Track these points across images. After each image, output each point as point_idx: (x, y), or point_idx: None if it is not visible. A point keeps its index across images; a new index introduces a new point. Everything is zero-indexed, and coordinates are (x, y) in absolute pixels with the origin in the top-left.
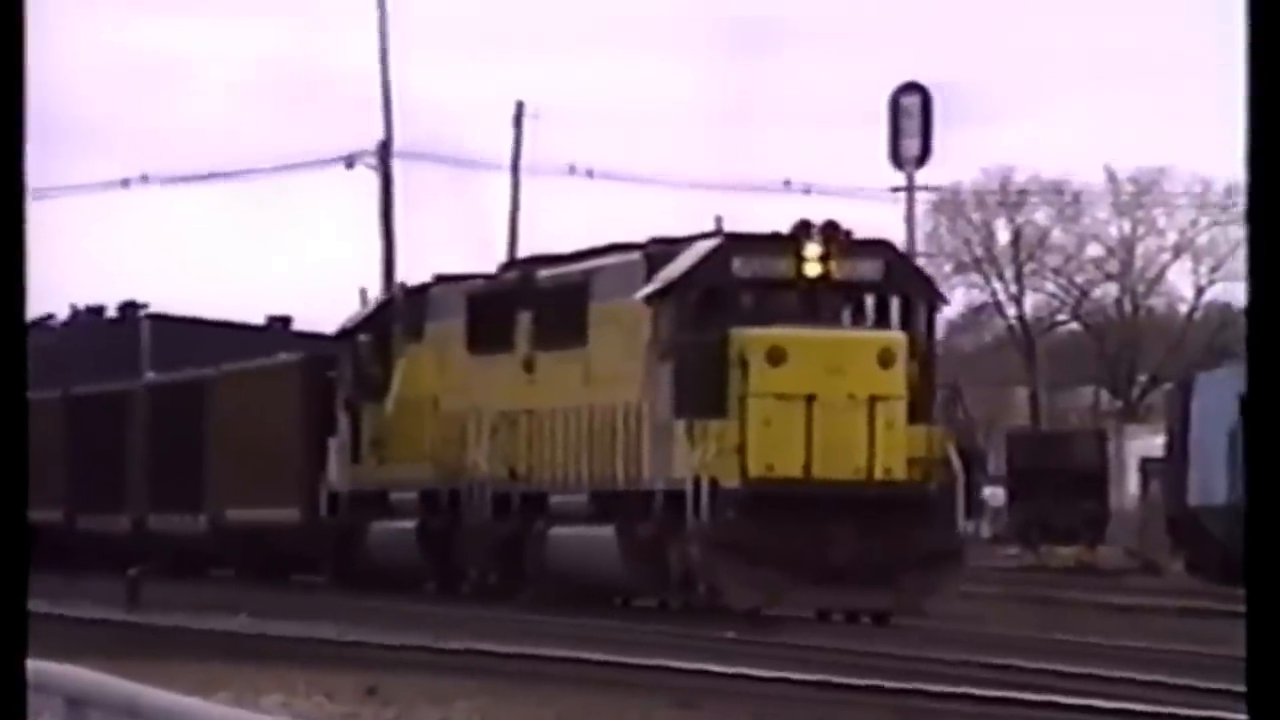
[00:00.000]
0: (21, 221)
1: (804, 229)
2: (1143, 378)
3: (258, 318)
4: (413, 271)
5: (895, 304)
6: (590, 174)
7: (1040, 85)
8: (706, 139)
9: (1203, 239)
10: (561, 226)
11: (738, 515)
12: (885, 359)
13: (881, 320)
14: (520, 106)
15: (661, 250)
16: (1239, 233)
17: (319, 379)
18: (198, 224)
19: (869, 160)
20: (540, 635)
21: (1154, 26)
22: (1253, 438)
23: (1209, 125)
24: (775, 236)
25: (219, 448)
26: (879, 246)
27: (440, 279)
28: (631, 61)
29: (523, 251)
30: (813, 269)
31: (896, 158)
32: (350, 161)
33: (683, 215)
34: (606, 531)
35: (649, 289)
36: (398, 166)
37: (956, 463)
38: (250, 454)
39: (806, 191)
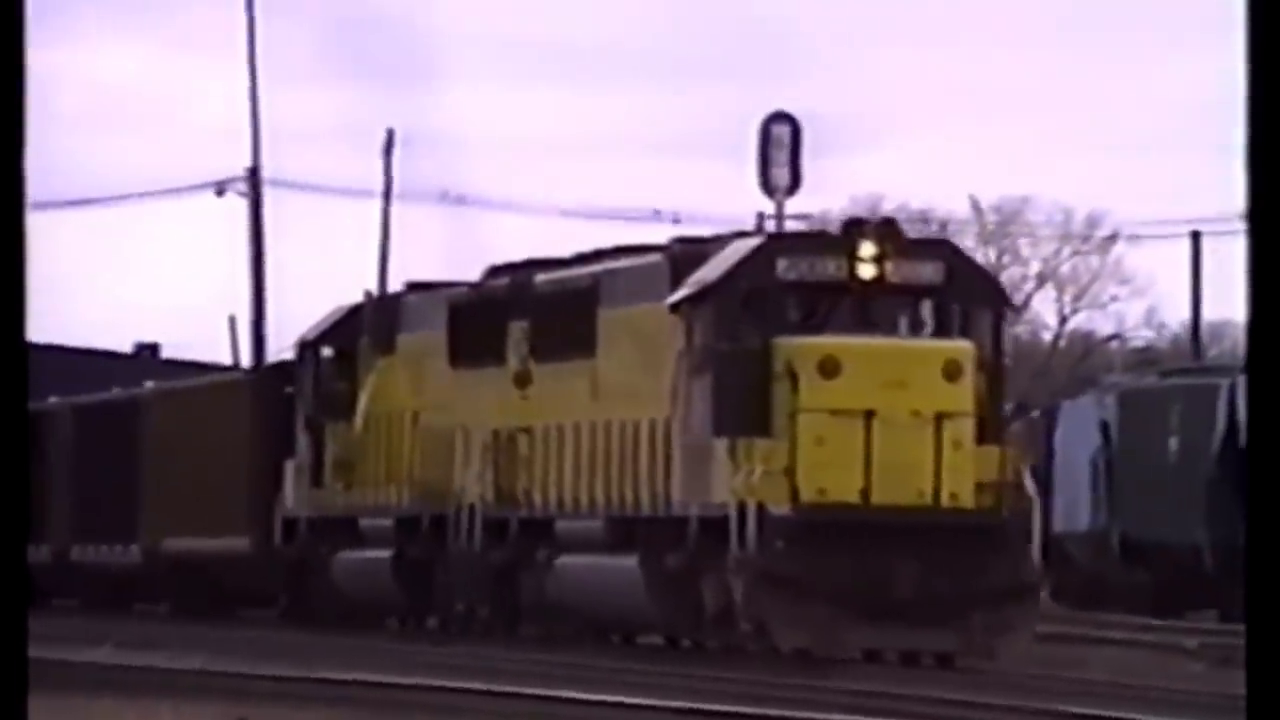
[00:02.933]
0: (21, 234)
1: (857, 226)
2: (1008, 405)
3: (125, 345)
4: (283, 298)
5: (958, 310)
6: (462, 200)
7: (907, 115)
8: (576, 167)
9: (1065, 268)
10: (433, 253)
11: (787, 545)
12: (951, 371)
13: (943, 328)
14: (390, 134)
15: (687, 251)
16: (1098, 262)
17: (273, 395)
18: (60, 251)
19: (737, 189)
20: (461, 669)
21: (1015, 58)
22: (1253, 437)
23: (1069, 156)
24: (824, 235)
25: (156, 472)
26: (939, 246)
27: (414, 286)
28: (502, 89)
29: (395, 279)
30: (867, 271)
31: (767, 186)
32: (220, 189)
33: (554, 243)
34: (627, 562)
35: (681, 293)
36: (268, 194)
37: (1031, 487)
38: (193, 478)
39: (676, 221)
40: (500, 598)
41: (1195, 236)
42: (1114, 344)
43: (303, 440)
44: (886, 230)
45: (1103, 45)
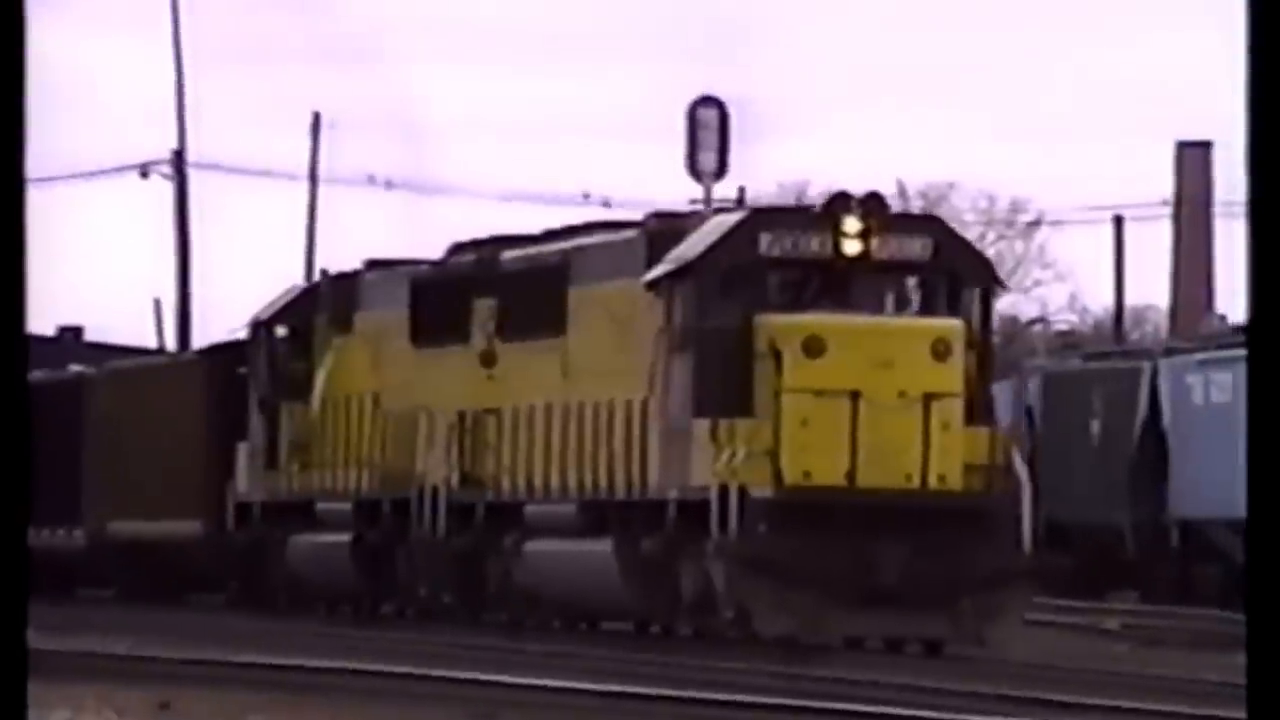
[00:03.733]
0: (21, 225)
1: (842, 201)
2: None
3: (48, 328)
4: (209, 281)
5: (945, 287)
6: (389, 184)
7: (834, 100)
8: (505, 151)
9: (990, 253)
10: (361, 237)
11: (770, 529)
12: (940, 350)
13: (930, 306)
14: (317, 117)
15: (664, 227)
16: (1022, 247)
17: (225, 376)
18: None
19: (667, 173)
20: (397, 654)
21: (942, 43)
22: (1253, 437)
23: (993, 142)
24: (808, 210)
25: (101, 455)
26: (926, 221)
27: (373, 264)
28: (428, 72)
29: (323, 262)
30: (852, 247)
31: (694, 170)
32: (144, 171)
33: (484, 227)
34: (601, 546)
35: (659, 270)
36: (194, 176)
37: (1021, 470)
38: (141, 461)
39: (606, 204)
40: (465, 584)
41: (1118, 222)
42: (1037, 328)
43: (256, 422)
44: (872, 205)
45: (1028, 31)
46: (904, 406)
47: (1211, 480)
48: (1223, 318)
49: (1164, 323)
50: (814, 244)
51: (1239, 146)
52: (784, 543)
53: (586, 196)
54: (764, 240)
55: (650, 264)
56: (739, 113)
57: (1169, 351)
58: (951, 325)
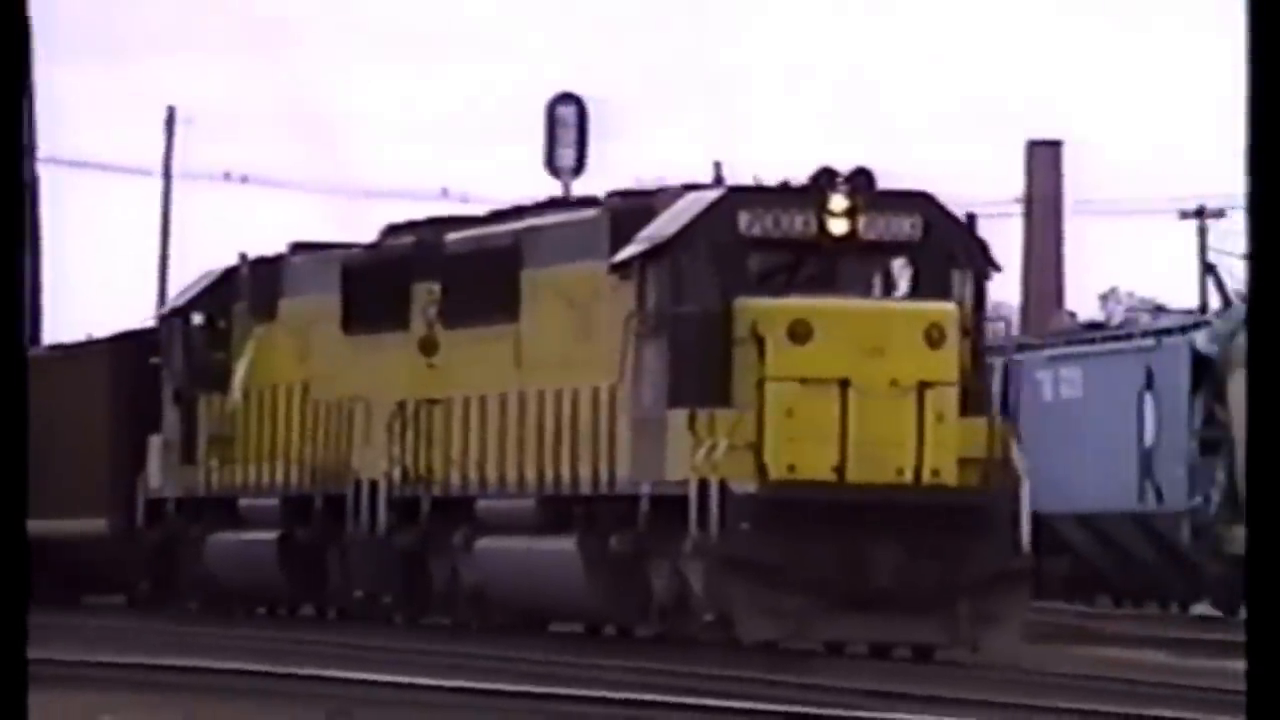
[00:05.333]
0: (21, 236)
1: (827, 177)
2: None
3: None
4: (59, 280)
5: (937, 269)
6: (245, 179)
7: (694, 96)
8: (363, 146)
9: None
10: (216, 233)
11: (753, 527)
12: (934, 336)
13: (920, 289)
14: (172, 111)
15: (629, 205)
16: None
17: (135, 366)
18: None
19: (526, 170)
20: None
21: (809, 35)
22: (1253, 437)
23: (849, 139)
24: (791, 188)
25: None
26: (916, 199)
27: (299, 247)
28: (285, 67)
29: (180, 260)
30: (838, 226)
31: (553, 167)
32: None
33: (341, 222)
34: (564, 544)
35: (630, 250)
36: (43, 172)
37: (1020, 464)
38: (40, 455)
39: (464, 200)
40: (407, 584)
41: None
42: None
43: (171, 414)
44: (859, 181)
45: (886, 30)
46: (896, 396)
47: (1061, 475)
48: (1072, 315)
49: (1015, 319)
50: (797, 223)
51: (1089, 146)
52: (768, 542)
53: (445, 193)
54: (743, 219)
55: (615, 244)
56: (598, 110)
57: (1020, 348)
58: (946, 309)
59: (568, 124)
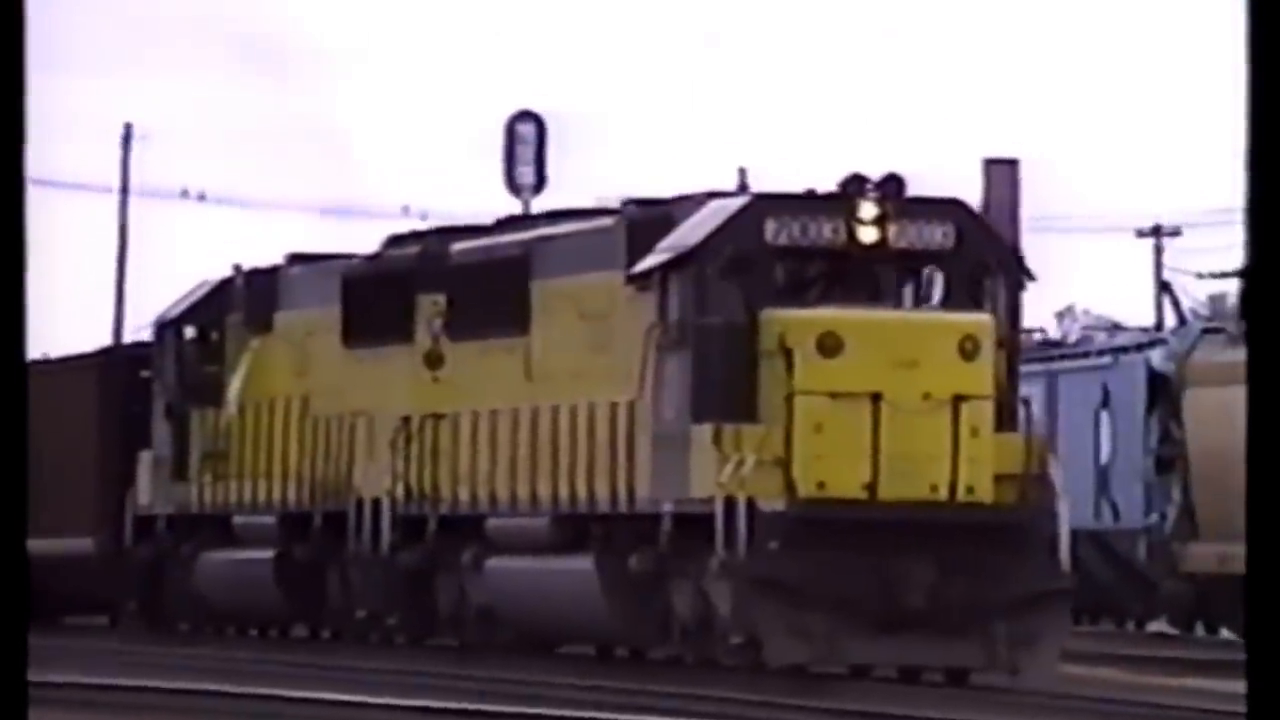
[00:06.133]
0: (21, 226)
1: (857, 184)
2: None
3: None
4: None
5: (969, 279)
6: (202, 197)
7: (646, 114)
8: (320, 163)
9: None
10: (174, 252)
11: (783, 546)
12: (969, 348)
13: (952, 300)
14: (129, 128)
15: (646, 215)
16: None
17: (125, 380)
18: None
19: (486, 187)
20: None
21: (753, 55)
22: (1253, 437)
23: (799, 154)
24: (819, 195)
25: None
26: (948, 206)
27: (295, 258)
28: (239, 83)
29: (137, 278)
30: (868, 234)
31: (513, 184)
32: None
33: (300, 241)
34: (580, 564)
35: (652, 260)
36: None
37: (1058, 480)
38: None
39: (424, 217)
40: (411, 604)
41: None
42: None
43: (162, 429)
44: (889, 188)
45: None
46: (930, 410)
47: None
48: (1041, 331)
49: None
50: (826, 231)
51: (1046, 163)
52: (798, 561)
53: (405, 210)
54: (770, 227)
55: (632, 254)
56: (558, 127)
57: None
58: (981, 320)
59: (527, 141)
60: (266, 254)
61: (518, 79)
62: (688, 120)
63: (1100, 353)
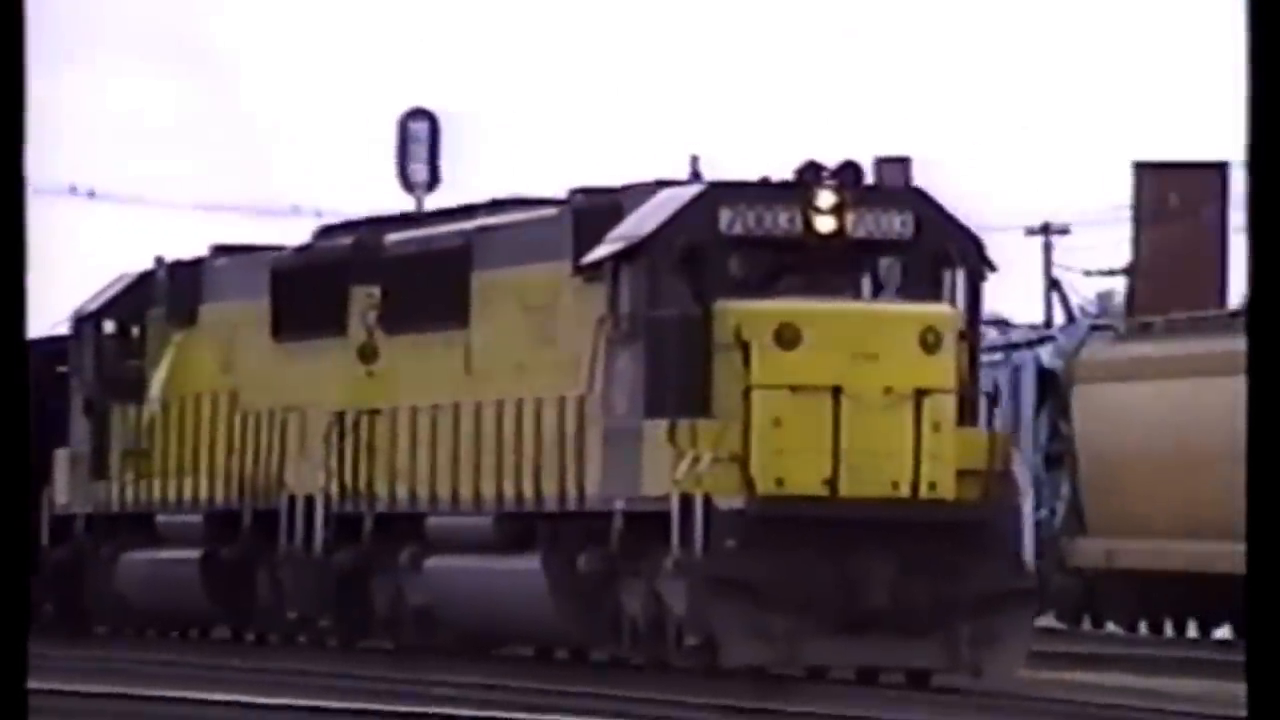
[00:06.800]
0: (21, 225)
1: (813, 172)
2: None
3: None
4: None
5: (928, 270)
6: (92, 194)
7: (540, 111)
8: (209, 160)
9: None
10: (64, 249)
11: (740, 544)
12: (930, 341)
13: (911, 291)
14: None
15: (594, 204)
16: None
17: (40, 375)
18: None
19: (379, 185)
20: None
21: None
22: (1253, 437)
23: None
24: (774, 183)
25: None
26: (908, 195)
27: (220, 250)
28: (129, 81)
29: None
30: (825, 224)
31: (406, 182)
32: None
33: (191, 238)
34: (527, 564)
35: (602, 251)
36: None
37: (1023, 476)
38: None
39: (318, 215)
40: (345, 605)
41: None
42: None
43: (80, 426)
44: (846, 176)
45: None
46: (891, 404)
47: None
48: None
49: None
50: (782, 221)
51: (935, 162)
52: (757, 560)
53: (296, 209)
54: (724, 216)
55: (579, 244)
56: (451, 126)
57: None
58: (943, 312)
59: (420, 139)
60: (159, 250)
61: (411, 77)
62: (588, 119)
63: (990, 349)
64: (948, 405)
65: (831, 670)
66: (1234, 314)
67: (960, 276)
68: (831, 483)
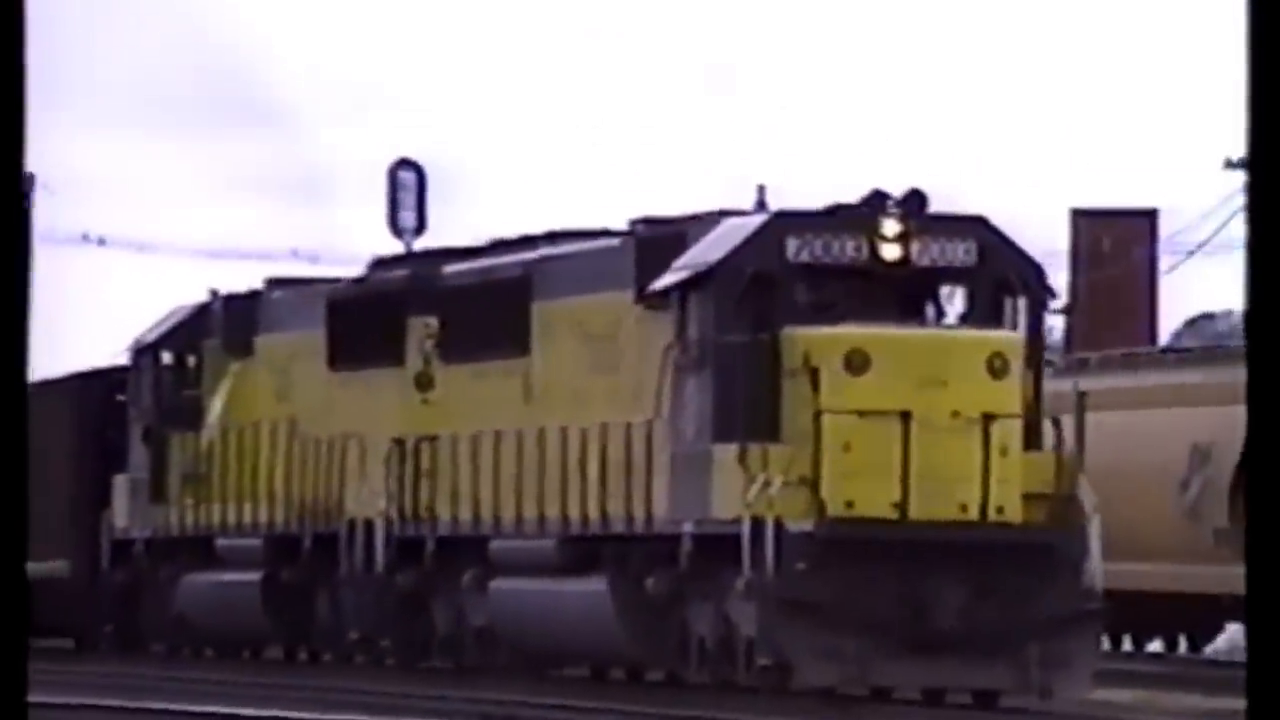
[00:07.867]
0: (24, 244)
1: (879, 200)
2: None
3: None
4: None
5: (992, 296)
6: (102, 242)
7: (518, 160)
8: (212, 209)
9: None
10: (77, 297)
11: (811, 566)
12: (997, 366)
13: (975, 317)
14: (32, 178)
15: (657, 234)
16: None
17: (101, 404)
18: None
19: (371, 231)
20: None
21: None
22: (1253, 437)
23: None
24: (840, 212)
25: None
26: (972, 223)
27: (275, 283)
28: (131, 135)
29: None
30: (891, 251)
31: (395, 228)
32: None
33: (200, 285)
34: (593, 585)
35: (669, 279)
36: None
37: (1089, 500)
38: None
39: (315, 260)
40: (406, 626)
41: None
42: None
43: (138, 453)
44: (911, 205)
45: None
46: (959, 429)
47: None
48: None
49: None
50: (848, 249)
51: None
52: (827, 582)
53: (295, 253)
54: (791, 245)
55: (641, 274)
56: (436, 173)
57: None
58: (1010, 338)
59: (408, 188)
60: (179, 295)
61: (399, 128)
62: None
63: None
64: (1015, 430)
65: (895, 690)
66: (1164, 350)
67: (1022, 303)
68: (901, 505)
